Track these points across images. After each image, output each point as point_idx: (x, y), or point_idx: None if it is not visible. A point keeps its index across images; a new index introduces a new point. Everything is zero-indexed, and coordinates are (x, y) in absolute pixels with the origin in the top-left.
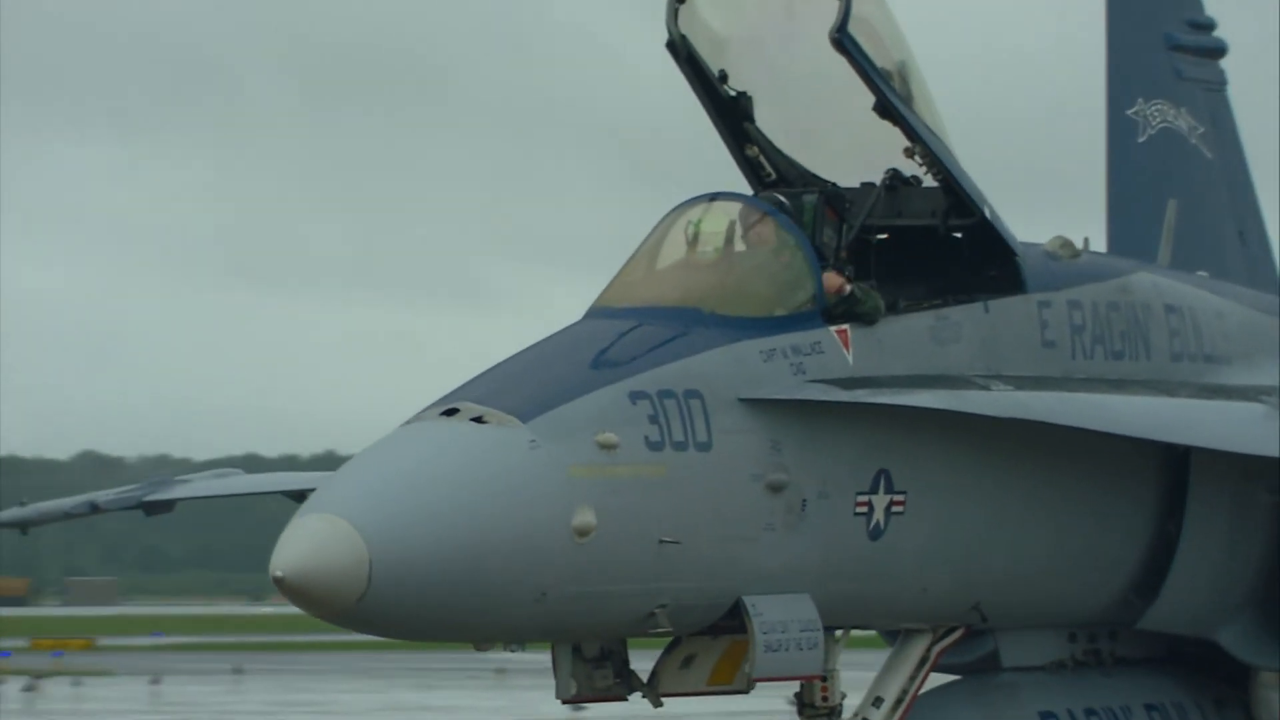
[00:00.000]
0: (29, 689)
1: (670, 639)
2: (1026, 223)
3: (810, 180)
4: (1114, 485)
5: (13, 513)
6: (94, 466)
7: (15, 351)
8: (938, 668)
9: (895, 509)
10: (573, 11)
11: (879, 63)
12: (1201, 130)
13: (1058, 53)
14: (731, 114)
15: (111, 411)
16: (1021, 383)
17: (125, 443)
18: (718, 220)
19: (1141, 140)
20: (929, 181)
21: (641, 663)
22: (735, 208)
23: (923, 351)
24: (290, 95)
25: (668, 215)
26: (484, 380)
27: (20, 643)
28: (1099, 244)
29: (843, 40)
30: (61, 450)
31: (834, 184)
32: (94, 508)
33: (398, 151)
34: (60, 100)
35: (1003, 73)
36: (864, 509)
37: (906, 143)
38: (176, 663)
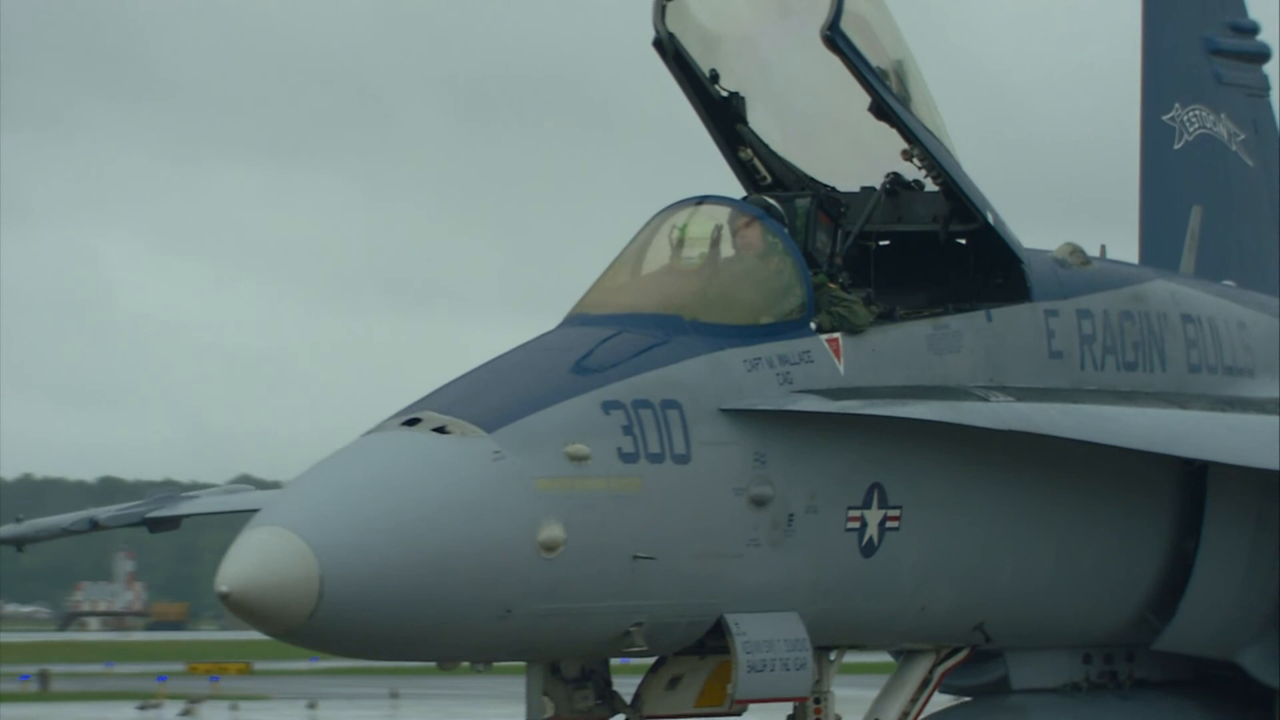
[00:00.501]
0: (186, 713)
1: (655, 658)
2: (1059, 229)
3: (808, 184)
4: (1127, 501)
5: (9, 529)
6: None
7: (171, 376)
8: (946, 690)
9: (890, 524)
10: None
11: (874, 61)
12: (1242, 137)
13: (1093, 56)
14: (723, 115)
15: (266, 436)
16: (1025, 394)
17: (280, 467)
18: (704, 225)
19: (1178, 146)
20: (931, 186)
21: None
22: (723, 212)
23: (920, 361)
24: (442, 118)
25: (654, 219)
26: (451, 389)
27: (178, 667)
28: (1131, 252)
29: (834, 38)
30: (218, 474)
31: (832, 188)
32: (94, 524)
33: (551, 172)
34: (214, 124)
35: (1037, 77)
36: (856, 524)
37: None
38: (333, 687)
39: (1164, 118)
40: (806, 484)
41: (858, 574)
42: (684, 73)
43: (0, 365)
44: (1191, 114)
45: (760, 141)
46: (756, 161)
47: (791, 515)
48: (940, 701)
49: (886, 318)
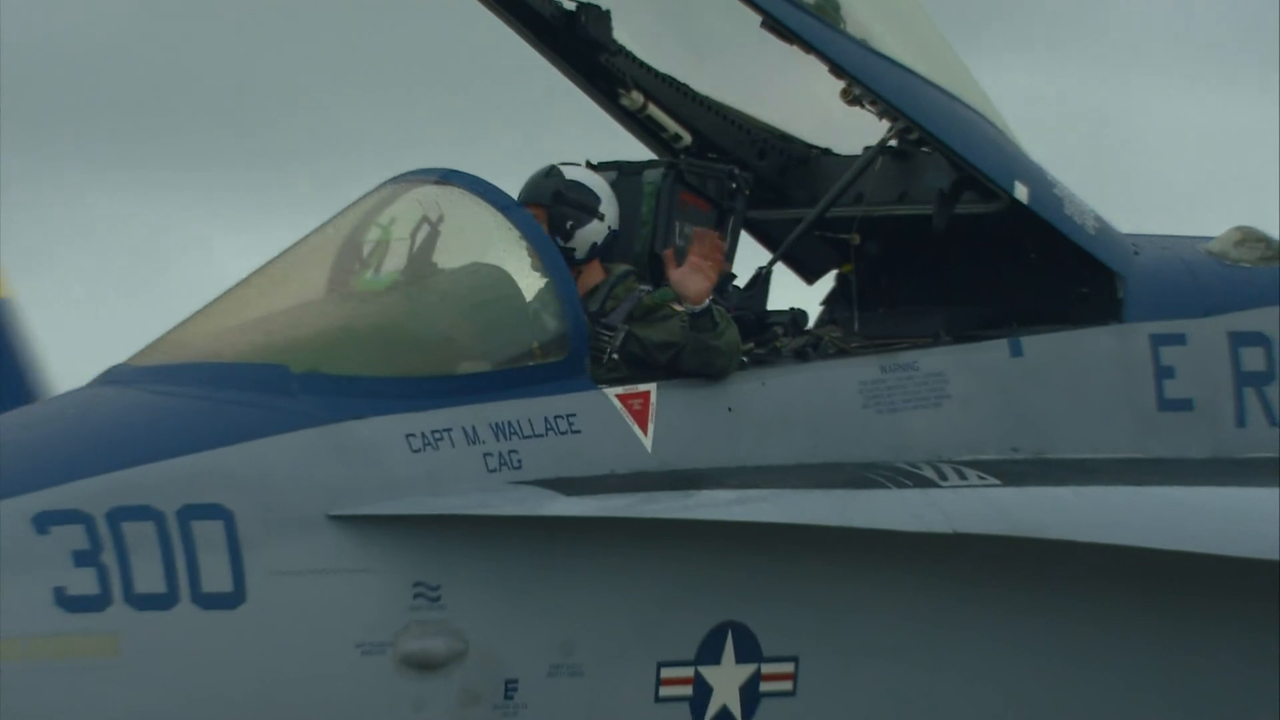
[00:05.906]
0: None
1: None
2: None
3: (776, 143)
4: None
5: None
6: None
7: None
8: None
9: (771, 686)
10: None
11: None
12: None
13: None
14: (575, 46)
15: None
16: (1059, 469)
17: None
18: (414, 219)
19: None
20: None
21: None
22: (454, 196)
23: (837, 424)
24: None
25: (359, 200)
26: None
27: None
28: None
29: None
30: None
31: (824, 150)
32: None
33: None
34: None
35: None
36: (682, 688)
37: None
38: None
39: None
40: (549, 629)
41: None
42: None
43: None
44: None
45: (652, 75)
46: (654, 110)
47: (511, 682)
48: None
49: (800, 355)
